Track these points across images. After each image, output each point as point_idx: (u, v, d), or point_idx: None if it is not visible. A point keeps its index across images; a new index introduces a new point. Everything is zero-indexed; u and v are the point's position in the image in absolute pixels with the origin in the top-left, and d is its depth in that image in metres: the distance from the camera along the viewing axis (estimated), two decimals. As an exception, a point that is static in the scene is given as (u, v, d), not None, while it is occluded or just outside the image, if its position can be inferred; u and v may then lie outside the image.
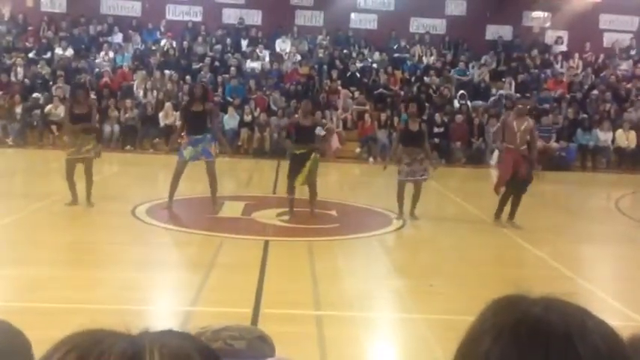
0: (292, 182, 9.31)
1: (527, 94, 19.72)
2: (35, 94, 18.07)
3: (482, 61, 21.84)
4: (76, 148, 9.35)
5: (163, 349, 0.70)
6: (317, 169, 9.41)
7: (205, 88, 10.89)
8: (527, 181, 9.27)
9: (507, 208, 9.46)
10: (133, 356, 0.68)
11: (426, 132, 9.92)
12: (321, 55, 21.40)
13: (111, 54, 20.36)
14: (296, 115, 9.85)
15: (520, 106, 9.79)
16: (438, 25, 23.10)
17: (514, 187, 9.30)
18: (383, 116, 18.67)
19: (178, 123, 17.30)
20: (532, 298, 0.86)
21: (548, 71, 21.76)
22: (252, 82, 19.54)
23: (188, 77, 19.09)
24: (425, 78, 20.75)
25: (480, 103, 19.91)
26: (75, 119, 9.44)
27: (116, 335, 0.71)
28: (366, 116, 18.58)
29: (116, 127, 17.61)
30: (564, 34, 23.21)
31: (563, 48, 22.99)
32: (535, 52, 22.36)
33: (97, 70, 19.57)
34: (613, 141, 18.80)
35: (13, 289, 5.88)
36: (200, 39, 21.38)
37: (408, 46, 22.31)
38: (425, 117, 16.98)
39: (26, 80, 18.90)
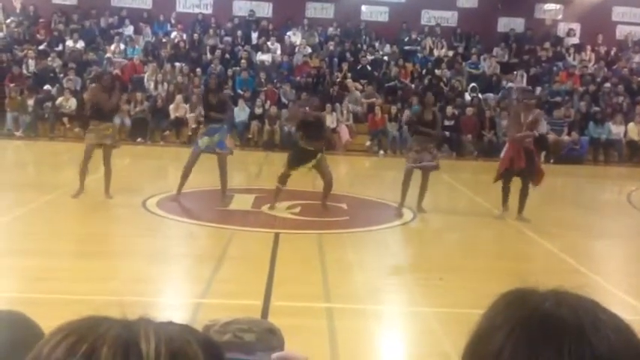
0: (289, 172, 9.33)
1: (539, 87, 19.62)
2: (46, 87, 18.14)
3: (494, 53, 21.72)
4: (94, 133, 9.36)
5: (160, 334, 0.70)
6: (327, 164, 9.44)
7: (220, 79, 10.99)
8: (527, 173, 9.17)
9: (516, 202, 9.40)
10: (128, 340, 0.68)
11: (439, 119, 10.00)
12: (331, 47, 21.34)
13: (122, 46, 20.41)
14: (307, 108, 9.90)
15: (526, 101, 9.82)
16: (449, 18, 22.97)
17: (509, 178, 9.25)
18: (393, 109, 18.61)
19: (189, 115, 17.47)
20: (542, 292, 0.85)
21: (560, 64, 21.60)
22: (262, 75, 19.54)
23: (198, 70, 19.13)
24: (436, 70, 20.65)
25: (491, 95, 19.83)
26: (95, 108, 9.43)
27: (112, 321, 0.72)
28: (377, 109, 18.51)
29: (127, 120, 17.64)
30: (577, 27, 23.03)
31: (576, 40, 22.80)
32: (547, 44, 22.20)
33: (108, 62, 19.55)
34: (625, 134, 18.68)
35: (22, 279, 5.92)
36: (210, 31, 21.38)
37: (419, 39, 22.20)
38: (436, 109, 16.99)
39: (38, 73, 18.95)
